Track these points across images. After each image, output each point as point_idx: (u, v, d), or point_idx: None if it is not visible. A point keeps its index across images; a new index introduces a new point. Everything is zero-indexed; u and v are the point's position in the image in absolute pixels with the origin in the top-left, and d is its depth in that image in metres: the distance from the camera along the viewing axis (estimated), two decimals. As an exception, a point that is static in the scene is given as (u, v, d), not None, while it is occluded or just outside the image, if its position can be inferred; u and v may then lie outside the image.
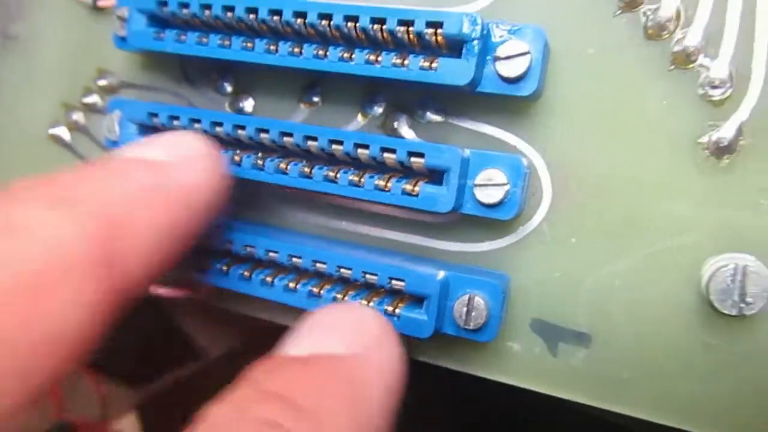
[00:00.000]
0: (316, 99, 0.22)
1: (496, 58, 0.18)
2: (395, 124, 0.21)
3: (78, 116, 0.26)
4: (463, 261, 0.21)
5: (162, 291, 0.23)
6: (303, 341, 0.17)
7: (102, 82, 0.26)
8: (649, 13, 0.19)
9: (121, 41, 0.23)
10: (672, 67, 0.19)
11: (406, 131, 0.21)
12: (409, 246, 0.22)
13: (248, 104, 0.23)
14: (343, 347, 0.16)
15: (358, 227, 0.22)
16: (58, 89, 0.27)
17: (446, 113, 0.21)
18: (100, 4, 0.25)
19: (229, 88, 0.24)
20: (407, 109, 0.21)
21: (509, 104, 0.20)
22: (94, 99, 0.26)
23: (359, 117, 0.22)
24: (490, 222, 0.20)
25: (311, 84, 0.23)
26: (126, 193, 0.16)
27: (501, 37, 0.18)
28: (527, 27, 0.18)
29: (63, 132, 0.27)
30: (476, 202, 0.19)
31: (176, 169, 0.17)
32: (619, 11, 0.19)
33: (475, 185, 0.19)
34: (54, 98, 0.27)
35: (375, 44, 0.20)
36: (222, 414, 0.14)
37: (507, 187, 0.18)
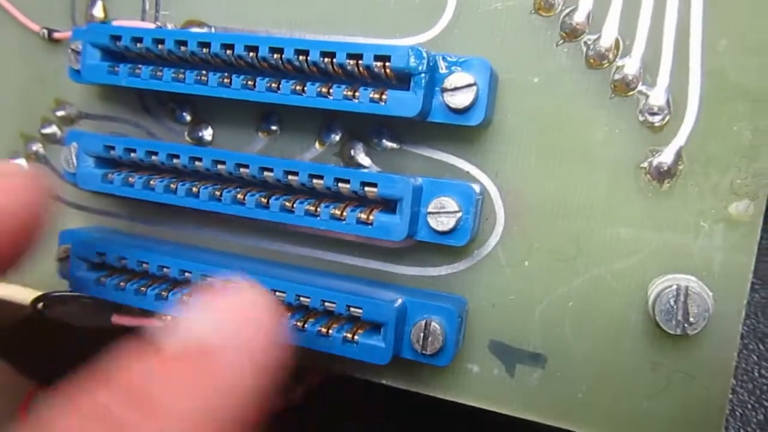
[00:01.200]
0: (274, 128, 0.23)
1: (444, 90, 0.19)
2: (352, 152, 0.22)
3: (37, 147, 0.26)
4: (420, 285, 0.22)
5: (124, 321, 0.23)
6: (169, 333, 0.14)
7: (60, 113, 0.26)
8: (589, 42, 0.19)
9: (76, 74, 0.23)
10: (613, 95, 0.19)
11: (363, 158, 0.22)
12: (367, 270, 0.22)
13: (207, 133, 0.24)
14: (210, 333, 0.14)
15: (317, 252, 0.23)
16: (16, 120, 0.27)
17: (401, 141, 0.21)
18: (56, 36, 0.25)
19: (187, 118, 0.24)
20: (363, 137, 0.22)
21: (461, 132, 0.21)
22: (52, 129, 0.26)
23: (317, 145, 0.22)
24: (446, 247, 0.21)
25: (268, 113, 0.23)
26: None
27: (447, 68, 0.19)
28: (473, 59, 0.19)
29: (22, 163, 0.27)
30: (430, 229, 0.19)
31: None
32: (561, 41, 0.20)
33: (428, 213, 0.19)
34: (12, 129, 0.27)
35: (327, 76, 0.20)
36: (55, 402, 0.13)
37: (459, 215, 0.19)
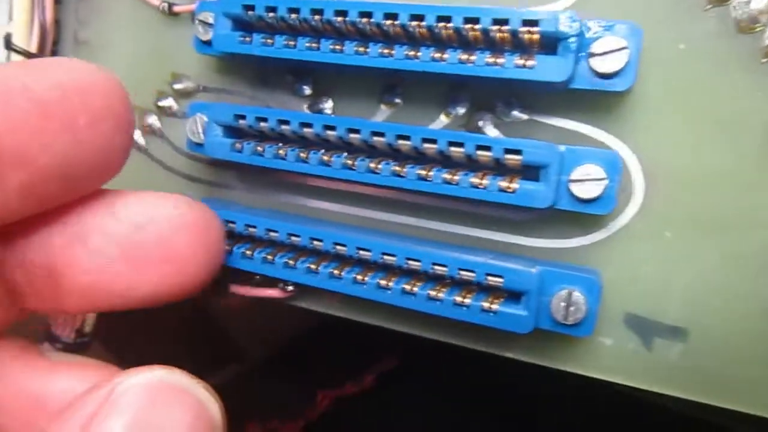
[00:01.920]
0: (397, 100, 0.23)
1: (591, 54, 0.18)
2: (480, 123, 0.22)
3: (152, 120, 0.27)
4: (549, 258, 0.21)
5: (253, 292, 0.24)
6: None
7: (178, 86, 0.26)
8: (739, 6, 0.19)
9: (203, 45, 0.23)
10: (765, 60, 0.19)
11: (491, 130, 0.22)
12: (494, 243, 0.22)
13: (327, 106, 0.24)
14: None
15: (441, 225, 0.22)
16: (131, 93, 0.27)
17: (531, 111, 0.21)
18: (176, 9, 0.25)
19: (307, 90, 0.24)
20: (491, 108, 0.22)
21: (598, 100, 0.20)
22: (169, 102, 0.26)
23: (442, 117, 0.22)
24: (578, 218, 0.21)
25: (392, 85, 0.23)
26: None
27: (595, 33, 0.18)
28: (621, 23, 0.18)
29: (137, 136, 0.27)
30: (572, 197, 0.19)
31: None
32: (709, 6, 0.19)
33: (571, 181, 0.19)
34: (128, 103, 0.27)
35: (464, 44, 0.20)
36: None
37: (605, 183, 0.19)
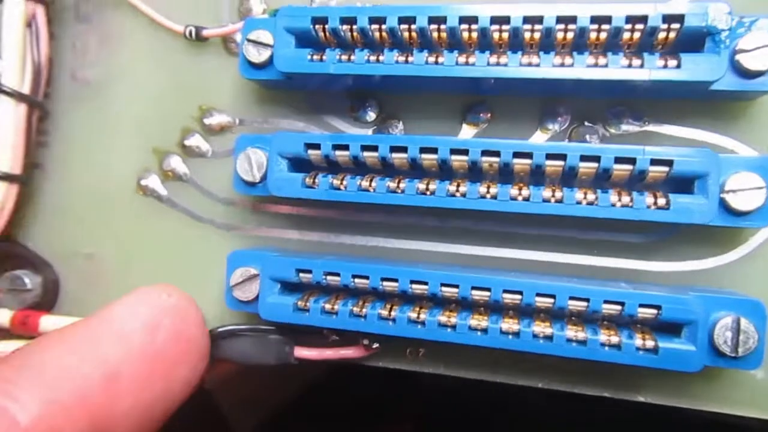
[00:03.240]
0: (483, 116, 0.20)
1: (738, 51, 0.17)
2: (587, 138, 0.19)
3: (175, 162, 0.23)
4: (678, 282, 0.19)
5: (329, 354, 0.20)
6: None
7: (209, 121, 0.22)
8: None
9: (254, 70, 0.20)
10: None
11: (597, 144, 0.19)
12: (610, 271, 0.19)
13: (397, 131, 0.21)
14: None
15: (546, 255, 0.20)
16: (149, 135, 0.23)
17: (643, 120, 0.19)
18: (206, 33, 0.22)
19: (372, 115, 0.21)
20: (595, 120, 0.19)
21: (722, 105, 0.18)
22: (196, 141, 0.22)
23: (539, 132, 0.20)
24: (708, 236, 0.18)
25: (474, 103, 0.20)
26: None
27: (740, 29, 0.17)
28: (763, 17, 0.17)
29: (155, 182, 0.23)
30: (726, 210, 0.17)
31: None
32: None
33: (726, 191, 0.17)
34: (143, 145, 0.23)
35: (582, 47, 0.18)
36: None
37: (765, 191, 0.16)
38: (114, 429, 0.16)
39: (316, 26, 0.19)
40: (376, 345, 0.20)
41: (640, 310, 0.17)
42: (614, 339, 0.17)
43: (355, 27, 0.18)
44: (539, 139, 0.20)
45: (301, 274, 0.19)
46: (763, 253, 0.18)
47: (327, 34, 0.19)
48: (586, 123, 0.19)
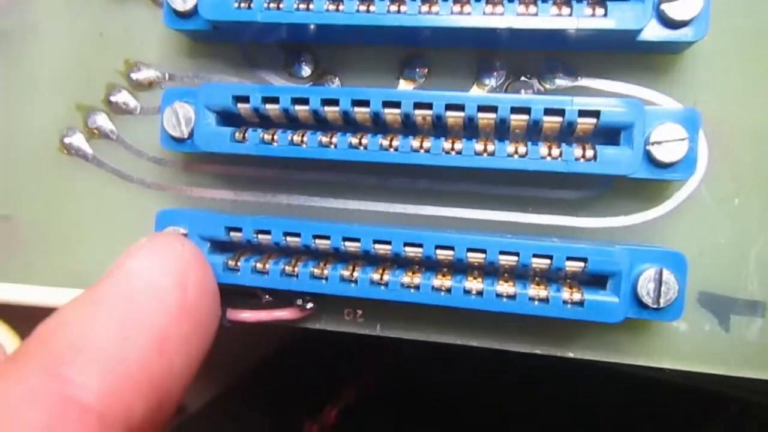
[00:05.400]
0: (419, 71, 0.20)
1: (663, 0, 0.17)
2: (521, 93, 0.19)
3: (102, 120, 0.22)
4: (611, 238, 0.19)
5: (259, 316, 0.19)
6: None
7: (136, 76, 0.21)
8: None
9: (179, 19, 0.19)
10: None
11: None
12: (546, 228, 0.19)
13: (334, 86, 0.20)
14: None
15: (480, 213, 0.20)
16: (70, 91, 0.22)
17: (576, 75, 0.19)
18: (130, -19, 0.21)
19: (307, 70, 0.20)
20: (530, 75, 0.19)
21: (650, 59, 0.18)
22: (122, 97, 0.21)
23: (475, 88, 0.20)
24: (637, 191, 0.19)
25: (410, 57, 0.20)
26: None
27: (665, -20, 0.17)
28: (690, -33, 0.17)
29: (79, 140, 0.22)
30: (650, 162, 0.17)
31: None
32: (764, -47, 0.18)
33: (651, 143, 0.17)
34: (64, 101, 0.22)
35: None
36: None
37: (687, 142, 0.17)
38: (172, 392, 0.15)
39: (244, -28, 0.18)
40: (310, 305, 0.19)
41: (568, 263, 0.17)
42: (542, 293, 0.17)
43: (282, -30, 0.18)
44: (476, 94, 0.20)
45: (231, 233, 0.18)
46: (687, 208, 0.19)
47: (255, -19, 0.18)
48: (522, 78, 0.19)
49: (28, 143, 0.22)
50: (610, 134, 0.17)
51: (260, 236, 0.18)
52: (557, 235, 0.19)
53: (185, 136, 0.19)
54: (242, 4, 0.18)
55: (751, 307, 0.18)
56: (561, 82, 0.19)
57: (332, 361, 0.43)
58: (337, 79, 0.20)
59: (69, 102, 0.22)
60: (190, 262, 0.17)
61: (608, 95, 0.19)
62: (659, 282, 0.17)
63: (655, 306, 0.17)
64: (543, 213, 0.19)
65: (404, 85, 0.20)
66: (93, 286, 0.16)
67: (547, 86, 0.19)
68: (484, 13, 0.17)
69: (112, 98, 0.22)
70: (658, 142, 0.17)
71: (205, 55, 0.21)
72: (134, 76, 0.21)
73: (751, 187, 0.18)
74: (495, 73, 0.19)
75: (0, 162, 0.22)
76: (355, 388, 0.46)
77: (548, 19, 0.16)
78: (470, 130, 0.18)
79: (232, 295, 0.19)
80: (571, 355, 0.19)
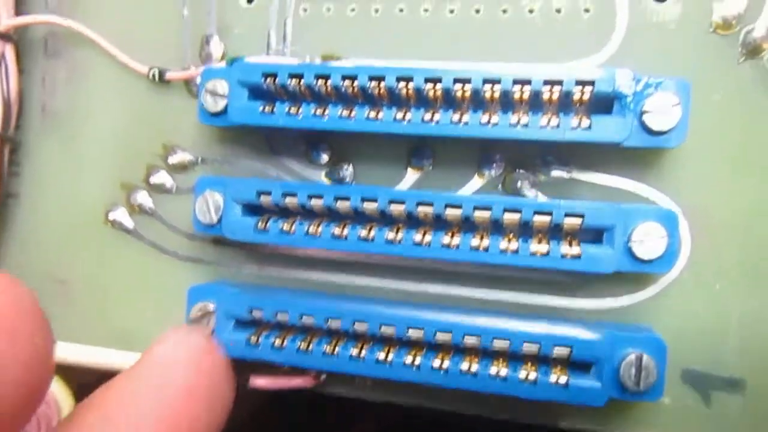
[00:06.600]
0: (426, 162, 0.22)
1: (644, 112, 0.18)
2: (518, 184, 0.21)
3: (143, 197, 0.24)
4: (598, 318, 0.21)
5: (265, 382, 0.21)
6: None
7: (172, 159, 0.24)
8: (770, 60, 0.19)
9: (212, 117, 0.21)
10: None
11: (528, 190, 0.21)
12: (534, 307, 0.21)
13: (348, 173, 0.22)
14: None
15: (477, 292, 0.21)
16: (116, 169, 0.25)
17: (570, 168, 0.21)
18: (169, 76, 0.23)
19: (324, 158, 0.22)
20: (527, 167, 0.21)
21: (639, 154, 0.20)
22: (161, 178, 0.24)
23: (476, 177, 0.21)
24: (626, 276, 0.20)
25: (418, 147, 0.22)
26: None
27: (645, 90, 0.18)
28: (671, 79, 0.18)
29: (122, 215, 0.24)
30: (632, 258, 0.18)
31: None
32: (743, 58, 0.19)
33: (633, 240, 0.18)
34: (110, 179, 0.25)
35: (508, 106, 0.19)
36: None
37: (666, 240, 0.18)
38: None
39: (267, 80, 0.20)
40: (323, 376, 0.21)
41: (556, 349, 0.18)
42: (532, 375, 0.18)
43: (302, 82, 0.20)
44: (476, 183, 0.21)
45: (254, 312, 0.20)
46: (671, 292, 0.20)
47: (277, 87, 0.20)
48: (519, 170, 0.21)
49: (79, 216, 0.25)
50: (595, 232, 0.19)
51: (279, 315, 0.20)
52: (549, 316, 0.21)
53: (215, 222, 0.21)
54: (266, 108, 0.20)
55: (732, 385, 0.20)
56: (556, 173, 0.21)
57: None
58: (350, 166, 0.22)
59: (114, 180, 0.25)
60: (204, 349, 0.19)
61: (600, 188, 0.20)
62: (639, 368, 0.18)
63: (636, 389, 0.18)
64: (535, 293, 0.21)
65: (412, 173, 0.22)
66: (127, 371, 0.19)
67: (543, 178, 0.21)
68: (480, 123, 0.19)
69: (152, 178, 0.24)
70: (640, 241, 0.18)
71: (234, 141, 0.23)
72: (171, 159, 0.24)
73: (730, 271, 0.20)
74: (494, 165, 0.21)
75: (57, 233, 0.25)
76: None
77: (538, 131, 0.18)
78: (468, 224, 0.19)
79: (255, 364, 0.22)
80: (564, 425, 0.21)
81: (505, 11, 0.21)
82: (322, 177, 0.23)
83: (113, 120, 0.25)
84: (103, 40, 0.24)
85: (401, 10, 0.22)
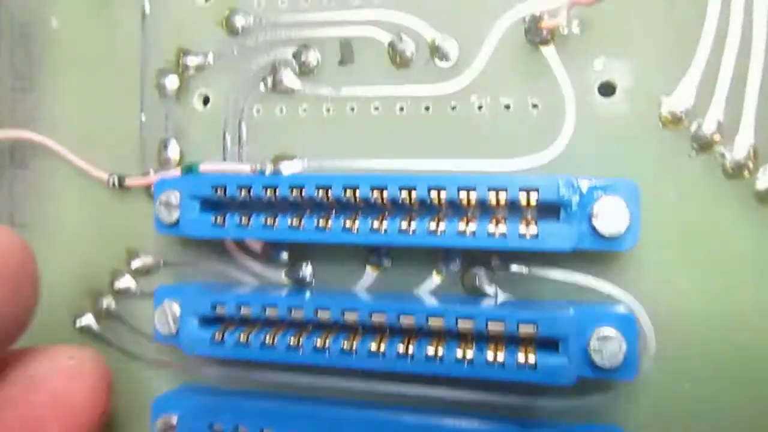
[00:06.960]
0: (384, 261, 0.21)
1: (592, 216, 0.18)
2: (476, 281, 0.21)
3: (108, 302, 0.24)
4: (566, 419, 0.20)
5: None
6: None
7: (136, 264, 0.24)
8: (724, 152, 0.19)
9: (167, 227, 0.21)
10: (758, 203, 0.19)
11: (488, 287, 0.21)
12: (500, 406, 0.20)
13: (307, 272, 0.22)
14: None
15: (440, 391, 0.21)
16: (83, 277, 0.25)
17: (529, 265, 0.20)
18: (129, 183, 0.23)
19: (284, 256, 0.22)
20: (486, 264, 0.21)
21: (597, 253, 0.20)
22: (126, 283, 0.24)
23: (434, 275, 0.21)
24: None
25: (375, 247, 0.21)
26: None
27: (595, 193, 0.18)
28: (618, 181, 0.18)
29: (89, 320, 0.24)
30: (593, 366, 0.18)
31: None
32: (694, 153, 0.19)
33: (591, 350, 0.18)
34: (77, 286, 0.25)
35: (458, 212, 0.19)
36: None
37: (624, 346, 0.18)
38: None
39: (218, 192, 0.20)
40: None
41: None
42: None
43: (251, 193, 0.20)
44: (435, 280, 0.21)
45: (215, 426, 0.20)
46: (636, 392, 0.19)
47: (227, 198, 0.20)
48: (477, 267, 0.21)
49: (46, 324, 0.25)
50: (550, 341, 0.18)
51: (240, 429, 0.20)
52: (518, 416, 0.20)
53: (174, 333, 0.21)
54: (218, 220, 0.20)
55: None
56: (515, 269, 0.20)
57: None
58: (309, 265, 0.22)
59: (80, 287, 0.25)
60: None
61: (560, 285, 0.20)
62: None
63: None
64: (499, 393, 0.20)
65: (370, 271, 0.22)
66: None
67: (502, 275, 0.21)
68: (428, 231, 0.18)
69: (116, 284, 0.24)
70: (598, 350, 0.18)
71: (194, 245, 0.23)
72: (134, 263, 0.24)
73: (699, 369, 0.19)
74: (452, 263, 0.21)
75: (24, 341, 0.25)
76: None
77: (486, 239, 0.18)
78: (424, 331, 0.19)
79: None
80: None
81: (454, 108, 0.21)
82: (282, 276, 0.22)
83: (79, 227, 0.25)
84: (64, 149, 0.24)
85: (352, 109, 0.22)
